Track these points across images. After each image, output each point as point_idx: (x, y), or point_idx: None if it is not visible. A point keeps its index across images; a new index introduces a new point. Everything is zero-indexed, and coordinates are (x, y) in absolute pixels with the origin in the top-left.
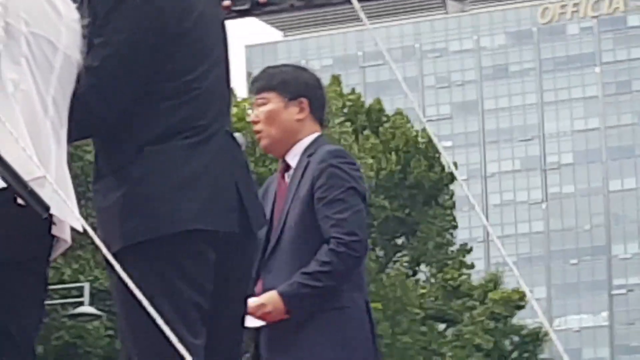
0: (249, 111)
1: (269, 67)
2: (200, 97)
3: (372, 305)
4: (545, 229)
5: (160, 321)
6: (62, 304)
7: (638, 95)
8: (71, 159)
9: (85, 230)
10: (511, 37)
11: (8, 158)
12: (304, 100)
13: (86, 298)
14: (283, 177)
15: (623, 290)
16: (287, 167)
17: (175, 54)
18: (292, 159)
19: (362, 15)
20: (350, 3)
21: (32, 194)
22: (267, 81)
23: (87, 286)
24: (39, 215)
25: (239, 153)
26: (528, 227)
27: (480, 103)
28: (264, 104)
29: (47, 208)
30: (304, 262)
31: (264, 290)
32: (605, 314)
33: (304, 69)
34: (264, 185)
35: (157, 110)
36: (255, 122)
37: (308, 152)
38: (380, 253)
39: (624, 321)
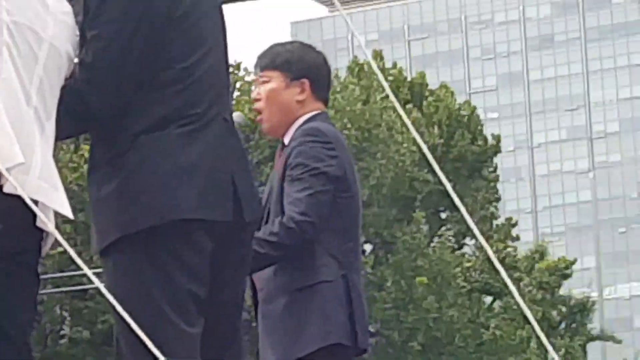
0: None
1: (276, 45)
2: (196, 85)
3: (418, 279)
4: (593, 198)
5: (133, 324)
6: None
7: None
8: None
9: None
10: (556, 7)
11: None
12: (306, 81)
13: None
14: (280, 156)
15: None
16: (284, 146)
17: (169, 42)
18: (287, 137)
19: None
20: None
21: None
22: (272, 60)
23: None
24: (26, 207)
25: (236, 141)
26: (576, 196)
27: (525, 74)
28: (266, 82)
29: None
30: None
31: None
32: None
33: (310, 48)
34: None
35: (152, 98)
36: (257, 100)
37: (300, 129)
38: (425, 227)
39: None
